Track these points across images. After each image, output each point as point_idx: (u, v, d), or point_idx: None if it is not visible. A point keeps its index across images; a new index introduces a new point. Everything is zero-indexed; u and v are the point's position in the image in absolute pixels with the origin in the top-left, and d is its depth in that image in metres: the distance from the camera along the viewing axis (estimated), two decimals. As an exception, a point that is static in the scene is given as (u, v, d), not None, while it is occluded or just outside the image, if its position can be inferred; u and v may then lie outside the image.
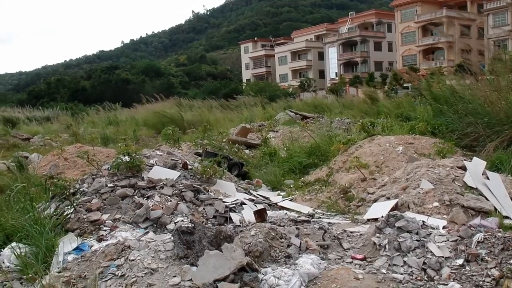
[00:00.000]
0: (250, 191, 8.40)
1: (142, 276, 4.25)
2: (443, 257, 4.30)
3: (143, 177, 7.06)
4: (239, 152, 12.23)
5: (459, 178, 6.39)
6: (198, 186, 7.03)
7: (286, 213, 6.67)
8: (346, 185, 7.86)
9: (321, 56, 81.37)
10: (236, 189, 8.02)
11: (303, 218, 5.83)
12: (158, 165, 7.62)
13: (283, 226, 5.26)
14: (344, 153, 9.26)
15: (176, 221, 5.98)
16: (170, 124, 15.70)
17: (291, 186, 9.26)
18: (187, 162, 8.21)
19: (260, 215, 5.75)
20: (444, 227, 5.14)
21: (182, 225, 4.76)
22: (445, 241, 4.48)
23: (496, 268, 4.04)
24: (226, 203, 6.68)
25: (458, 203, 5.86)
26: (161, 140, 12.98)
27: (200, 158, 9.02)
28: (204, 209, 6.52)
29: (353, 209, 7.00)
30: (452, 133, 9.55)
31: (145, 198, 6.50)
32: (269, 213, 6.53)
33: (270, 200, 8.03)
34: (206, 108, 25.71)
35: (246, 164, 10.22)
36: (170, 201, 6.50)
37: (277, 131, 16.07)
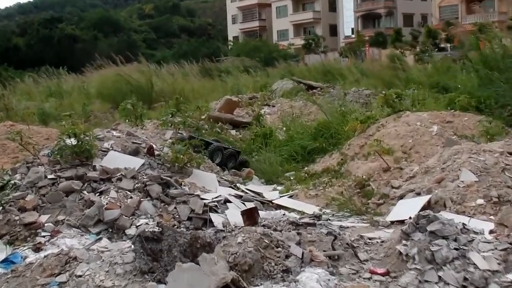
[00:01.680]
0: (237, 184, 8.40)
1: (93, 297, 4.22)
2: (489, 270, 4.30)
3: (95, 166, 7.03)
4: (223, 133, 12.21)
5: (510, 168, 6.42)
6: (168, 178, 7.00)
7: (284, 214, 6.68)
8: (364, 176, 7.89)
9: (333, 6, 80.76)
10: (219, 182, 8.00)
11: (306, 220, 5.82)
12: (115, 150, 7.58)
13: (280, 230, 5.24)
14: (362, 134, 9.26)
15: (138, 224, 5.98)
16: (132, 95, 15.57)
17: (291, 178, 9.27)
18: (154, 146, 8.16)
19: (250, 217, 5.74)
20: (491, 232, 5.16)
21: (146, 230, 4.73)
22: (492, 250, 4.48)
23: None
24: (205, 201, 6.68)
25: (509, 200, 5.88)
26: (119, 117, 12.88)
27: (178, 140, 8.97)
28: (175, 208, 6.51)
29: (373, 208, 7.05)
30: (502, 109, 9.59)
31: (98, 194, 6.48)
32: (262, 213, 6.53)
33: (263, 197, 8.02)
34: (179, 74, 25.54)
35: (240, 152, 10.20)
36: (131, 197, 6.48)
37: (273, 106, 16.05)
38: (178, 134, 10.35)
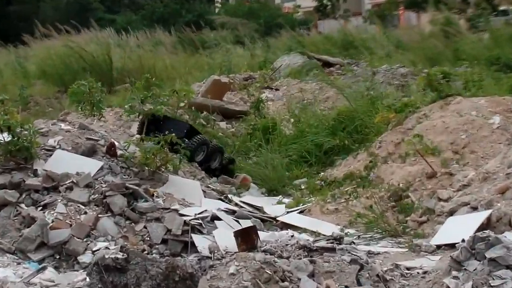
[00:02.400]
0: (229, 196, 8.37)
1: None
2: None
3: (36, 170, 7.02)
4: (209, 126, 12.18)
5: None
6: (135, 187, 6.97)
7: (292, 235, 6.66)
8: (401, 185, 7.88)
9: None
10: (204, 192, 7.95)
11: (323, 243, 5.82)
12: (64, 149, 7.57)
13: (288, 258, 5.24)
14: (398, 128, 9.23)
15: (95, 248, 5.96)
16: (87, 75, 15.53)
17: (302, 187, 9.25)
18: (116, 143, 8.12)
19: (246, 239, 5.71)
20: None
21: (107, 256, 4.72)
22: None
23: None
24: (185, 218, 6.66)
25: None
26: (68, 104, 12.83)
27: (142, 137, 8.94)
28: (145, 227, 6.50)
29: (412, 228, 7.04)
30: None
31: (40, 208, 6.46)
32: (262, 234, 6.50)
33: (264, 213, 7.98)
34: (150, 47, 25.50)
35: (225, 150, 10.18)
36: (85, 213, 6.47)
37: (277, 89, 15.99)
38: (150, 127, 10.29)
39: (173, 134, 8.13)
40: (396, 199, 7.67)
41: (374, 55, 20.56)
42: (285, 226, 7.50)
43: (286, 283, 4.73)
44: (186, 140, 9.23)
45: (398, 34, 25.46)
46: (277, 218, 7.77)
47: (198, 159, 9.27)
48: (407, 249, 6.32)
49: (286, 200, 8.69)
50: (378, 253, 6.10)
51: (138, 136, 9.28)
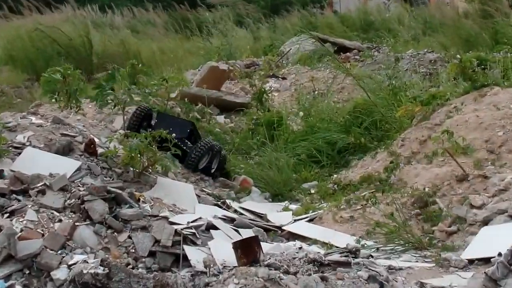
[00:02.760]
0: (228, 201, 8.39)
1: None
2: None
3: (3, 170, 7.02)
4: (205, 121, 12.18)
5: None
6: (118, 191, 6.96)
7: (301, 247, 6.65)
8: (427, 189, 7.87)
9: None
10: (199, 196, 7.97)
11: (336, 257, 5.83)
12: (35, 147, 7.59)
13: (295, 273, 5.25)
14: (424, 123, 9.22)
15: (71, 262, 5.90)
16: (62, 60, 15.54)
17: (312, 191, 9.28)
18: (96, 140, 8.14)
19: (247, 251, 5.71)
20: None
21: (85, 271, 4.72)
22: None
23: None
24: (176, 226, 6.64)
25: None
26: (41, 95, 12.83)
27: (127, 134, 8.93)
28: (130, 237, 6.49)
29: (440, 240, 7.05)
30: None
31: (7, 215, 6.44)
32: (266, 246, 6.51)
33: (267, 221, 8.00)
34: (138, 28, 25.47)
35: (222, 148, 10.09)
36: (60, 221, 6.46)
37: (284, 78, 15.99)
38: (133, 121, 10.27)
39: (173, 133, 8.19)
40: (421, 205, 7.67)
41: (398, 38, 20.51)
42: (292, 236, 7.52)
43: (293, 303, 4.74)
44: (189, 142, 9.31)
45: (427, 13, 25.31)
46: (282, 227, 7.79)
47: (201, 166, 9.24)
48: (434, 264, 6.30)
49: (293, 206, 8.71)
50: (400, 269, 6.08)
51: (122, 131, 9.30)
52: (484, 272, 4.94)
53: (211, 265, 5.89)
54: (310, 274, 5.21)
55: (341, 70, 14.40)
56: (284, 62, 18.38)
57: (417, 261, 6.53)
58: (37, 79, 14.93)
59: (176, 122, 9.64)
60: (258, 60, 18.50)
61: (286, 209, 8.58)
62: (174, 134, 8.33)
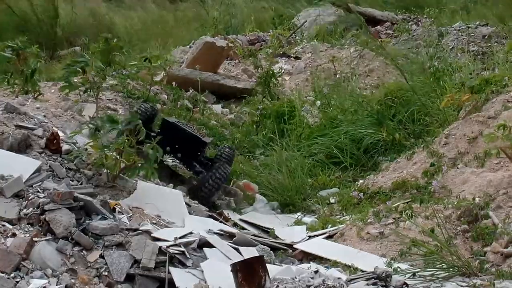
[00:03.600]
0: (225, 212, 8.43)
1: None
2: None
3: None
4: (198, 111, 12.19)
5: None
6: (88, 198, 6.98)
7: (317, 271, 6.66)
8: (477, 199, 7.85)
9: None
10: (189, 205, 8.00)
11: (361, 284, 5.85)
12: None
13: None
14: (474, 116, 9.18)
15: (28, 288, 5.97)
16: (19, 34, 15.55)
17: (332, 200, 9.32)
18: (60, 134, 8.15)
19: (250, 276, 5.74)
20: None
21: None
22: None
23: None
24: (161, 243, 6.67)
25: None
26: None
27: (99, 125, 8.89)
28: (103, 257, 6.49)
29: (494, 263, 7.00)
30: None
31: None
32: (273, 269, 6.54)
33: (275, 237, 8.04)
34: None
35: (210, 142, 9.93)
36: (13, 234, 6.46)
37: (297, 57, 15.99)
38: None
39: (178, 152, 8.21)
40: (470, 220, 7.65)
41: (441, 9, 20.47)
42: (306, 257, 7.54)
43: None
44: (197, 166, 9.07)
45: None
46: (294, 246, 7.81)
47: (214, 200, 9.10)
48: (485, 295, 6.31)
49: (307, 219, 8.72)
50: (444, 300, 6.10)
51: (92, 124, 9.29)
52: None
53: (204, 293, 5.90)
54: (329, 305, 5.22)
55: (370, 48, 14.37)
56: (297, 37, 18.38)
57: (464, 292, 6.53)
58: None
59: (185, 136, 9.15)
60: (265, 34, 18.52)
61: (299, 222, 8.59)
62: (179, 154, 8.35)
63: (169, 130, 8.93)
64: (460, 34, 16.03)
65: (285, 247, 7.78)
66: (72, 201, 6.82)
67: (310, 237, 8.06)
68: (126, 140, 7.72)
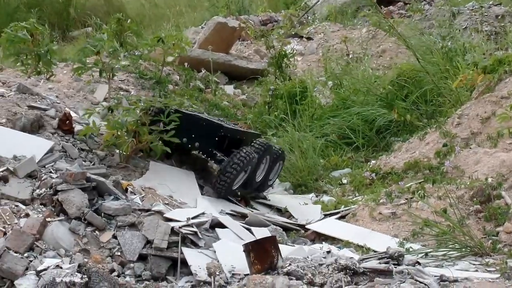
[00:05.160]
0: (238, 192, 8.40)
1: None
2: None
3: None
4: (210, 91, 12.16)
5: None
6: (101, 179, 7.00)
7: (329, 251, 6.65)
8: (490, 179, 7.85)
9: None
10: (201, 186, 8.03)
11: (373, 263, 5.85)
12: (-5, 122, 7.63)
13: (322, 285, 5.27)
14: (487, 96, 9.15)
15: (41, 268, 5.93)
16: (31, 15, 15.54)
17: (344, 181, 9.35)
18: (72, 114, 8.17)
19: (262, 256, 5.73)
20: None
21: (58, 280, 4.72)
22: None
23: None
24: (173, 224, 6.68)
25: None
26: (2, 57, 12.82)
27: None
28: (115, 237, 6.52)
29: (506, 243, 7.01)
30: None
31: (-40, 208, 6.48)
32: (285, 249, 6.54)
33: (288, 217, 8.09)
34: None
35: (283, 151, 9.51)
36: (26, 215, 6.49)
37: (309, 38, 15.93)
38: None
39: (195, 143, 7.97)
40: (482, 200, 7.64)
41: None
42: (319, 237, 7.56)
43: (319, 322, 4.76)
44: (218, 154, 8.25)
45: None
46: (306, 226, 7.83)
47: (236, 186, 8.33)
48: (498, 275, 6.26)
49: (320, 198, 8.72)
50: (456, 280, 6.02)
51: (104, 103, 9.28)
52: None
53: (217, 273, 5.91)
54: (340, 286, 5.20)
55: (383, 28, 14.30)
56: (309, 18, 18.32)
57: (476, 270, 6.49)
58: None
59: (198, 125, 8.43)
60: (277, 15, 18.46)
61: (316, 202, 8.57)
62: (197, 144, 8.03)
63: (181, 120, 8.09)
64: (473, 13, 15.95)
65: (298, 228, 7.79)
66: (84, 181, 6.83)
67: (323, 217, 8.08)
68: (138, 121, 7.71)
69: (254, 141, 8.52)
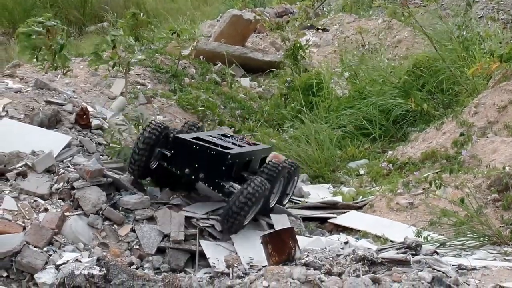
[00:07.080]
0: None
1: None
2: None
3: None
4: (226, 84, 12.14)
5: None
6: (117, 174, 7.03)
7: (347, 242, 6.64)
8: (507, 168, 7.80)
9: None
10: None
11: (391, 254, 5.85)
12: (13, 118, 7.62)
13: (339, 275, 5.27)
14: (504, 85, 9.09)
15: (60, 262, 5.95)
16: (46, 10, 15.57)
17: (361, 172, 9.36)
18: (90, 109, 8.17)
19: (280, 247, 5.74)
20: None
21: (77, 273, 4.72)
22: None
23: None
24: (191, 216, 6.70)
25: None
26: (19, 53, 12.86)
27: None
28: (134, 231, 6.53)
29: (525, 232, 6.96)
30: None
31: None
32: (303, 240, 6.55)
33: (307, 209, 8.03)
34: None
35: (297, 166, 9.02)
36: (45, 210, 6.49)
37: (324, 29, 15.89)
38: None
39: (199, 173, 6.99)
40: (500, 189, 7.61)
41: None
42: (336, 228, 7.56)
43: (337, 312, 4.76)
44: (226, 186, 7.06)
45: None
46: (325, 218, 7.80)
47: (247, 221, 7.13)
48: (518, 264, 6.27)
49: (338, 189, 8.70)
50: (474, 269, 6.02)
51: (122, 98, 9.28)
52: None
53: (235, 265, 5.92)
54: (358, 276, 5.21)
55: (398, 19, 14.25)
56: (325, 9, 18.29)
57: (495, 259, 6.48)
58: (14, 32, 14.95)
59: (201, 151, 7.18)
60: (292, 7, 18.44)
61: (335, 193, 8.56)
62: (201, 175, 7.00)
63: (182, 147, 7.20)
64: (489, 2, 15.88)
65: (315, 219, 7.77)
66: (103, 176, 6.87)
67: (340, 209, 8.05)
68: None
69: (265, 165, 7.39)
